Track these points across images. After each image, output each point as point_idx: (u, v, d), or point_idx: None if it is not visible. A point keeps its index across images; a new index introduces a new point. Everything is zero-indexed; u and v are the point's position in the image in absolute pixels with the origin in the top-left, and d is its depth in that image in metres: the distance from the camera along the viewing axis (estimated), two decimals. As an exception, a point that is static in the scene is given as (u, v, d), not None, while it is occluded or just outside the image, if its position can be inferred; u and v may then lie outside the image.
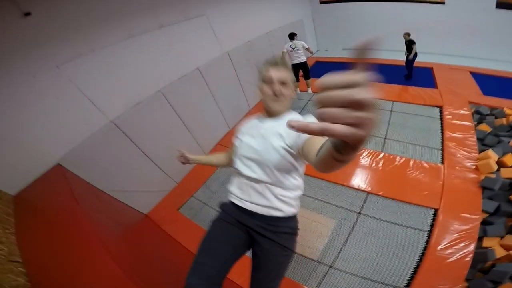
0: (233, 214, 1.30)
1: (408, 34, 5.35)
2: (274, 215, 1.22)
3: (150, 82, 3.67)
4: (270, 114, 1.25)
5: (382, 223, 3.02)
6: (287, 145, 1.10)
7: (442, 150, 3.76)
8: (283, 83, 1.19)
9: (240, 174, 1.26)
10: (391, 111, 4.79)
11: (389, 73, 5.93)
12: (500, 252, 2.42)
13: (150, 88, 3.68)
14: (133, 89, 3.48)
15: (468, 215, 2.81)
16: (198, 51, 4.41)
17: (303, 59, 4.88)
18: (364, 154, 3.88)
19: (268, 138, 1.17)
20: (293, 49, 4.77)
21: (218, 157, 1.71)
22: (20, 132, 2.57)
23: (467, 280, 2.35)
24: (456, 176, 3.29)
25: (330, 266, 2.75)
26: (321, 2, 7.64)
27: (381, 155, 3.83)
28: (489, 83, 5.08)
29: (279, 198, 1.20)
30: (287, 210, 1.24)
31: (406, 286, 2.44)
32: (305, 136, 0.96)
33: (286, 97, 1.21)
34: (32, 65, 2.58)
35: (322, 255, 2.85)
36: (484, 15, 5.79)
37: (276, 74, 1.17)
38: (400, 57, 5.83)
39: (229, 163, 1.53)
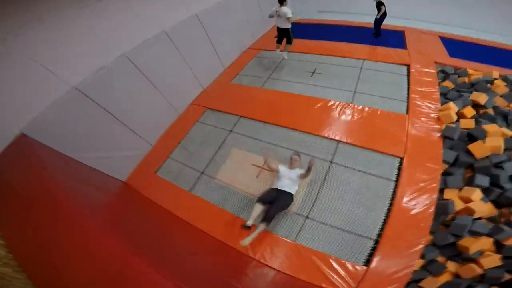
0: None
1: None
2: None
3: (111, 46, 3.46)
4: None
5: (352, 171, 3.22)
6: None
7: (408, 102, 3.98)
8: (293, 162, 3.15)
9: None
10: (361, 68, 4.92)
11: (360, 34, 6.04)
12: (459, 205, 2.61)
13: (113, 52, 3.47)
14: (93, 55, 3.27)
15: (431, 165, 3.03)
16: (164, 14, 4.15)
17: (286, 25, 4.83)
18: (334, 106, 4.04)
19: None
20: (278, 15, 4.73)
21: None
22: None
23: (431, 232, 2.55)
24: (420, 125, 3.52)
25: (307, 217, 2.94)
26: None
27: (350, 106, 4.00)
28: (457, 47, 5.28)
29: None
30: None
31: (378, 236, 2.65)
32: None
33: (294, 164, 3.15)
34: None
35: (299, 207, 3.04)
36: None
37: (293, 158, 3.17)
38: (371, 19, 5.95)
39: None
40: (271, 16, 4.90)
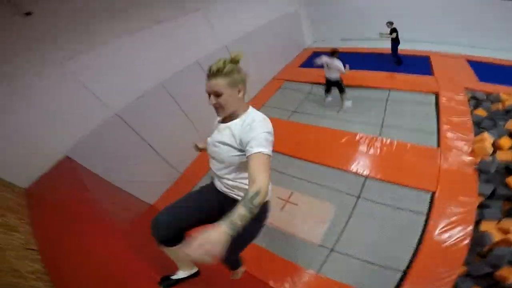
0: (213, 187, 1.46)
1: (391, 23, 5.59)
2: (237, 198, 1.32)
3: (151, 75, 3.76)
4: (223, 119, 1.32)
5: (380, 206, 3.12)
6: (236, 148, 1.19)
7: (438, 133, 3.85)
8: (216, 94, 1.18)
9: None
10: (387, 99, 4.88)
11: (385, 61, 6.08)
12: (497, 236, 2.47)
13: (152, 81, 3.76)
14: (134, 83, 3.57)
15: (465, 198, 2.88)
16: (197, 44, 4.48)
17: (337, 77, 4.64)
18: (361, 140, 3.98)
19: (220, 143, 1.26)
20: (328, 67, 4.56)
21: None
22: (29, 127, 2.68)
23: (466, 264, 2.41)
24: (452, 159, 3.37)
25: (332, 250, 2.85)
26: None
27: (378, 140, 3.93)
28: (485, 70, 5.14)
29: (239, 187, 1.30)
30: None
31: (406, 269, 2.51)
32: (248, 153, 1.07)
33: (224, 106, 1.21)
34: (37, 62, 2.67)
35: (324, 239, 2.96)
36: (483, 4, 5.81)
37: (210, 86, 1.19)
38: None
39: None
40: (317, 65, 4.75)
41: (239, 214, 0.87)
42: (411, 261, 2.55)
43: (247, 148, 1.07)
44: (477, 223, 2.69)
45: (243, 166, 1.22)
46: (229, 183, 1.30)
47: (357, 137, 4.05)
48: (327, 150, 4.01)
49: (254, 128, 1.11)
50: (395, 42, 5.72)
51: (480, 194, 2.89)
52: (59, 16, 2.80)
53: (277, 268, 2.75)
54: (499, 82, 4.57)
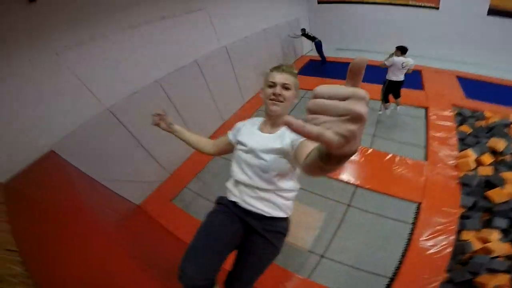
0: (231, 208, 1.36)
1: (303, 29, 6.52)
2: (268, 215, 1.28)
3: (148, 72, 3.68)
4: (270, 117, 1.30)
5: (369, 215, 3.20)
6: (282, 150, 1.16)
7: (426, 148, 4.00)
8: (285, 87, 1.22)
9: (235, 177, 1.35)
10: (379, 110, 5.01)
11: (378, 74, 6.18)
12: (477, 245, 2.64)
13: (148, 78, 3.68)
14: (130, 78, 3.48)
15: (448, 209, 3.04)
16: (197, 43, 4.44)
17: (403, 77, 4.47)
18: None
19: (261, 151, 1.22)
20: (403, 67, 4.27)
21: (202, 141, 1.71)
22: (14, 117, 2.54)
23: (448, 271, 2.55)
24: (438, 172, 3.51)
25: (322, 256, 2.88)
26: (319, 2, 7.79)
27: (370, 151, 4.03)
28: (473, 87, 5.38)
29: (273, 202, 1.26)
30: (281, 212, 1.30)
31: (393, 276, 2.60)
32: (297, 142, 1.02)
33: (286, 99, 1.23)
34: (32, 51, 2.56)
35: (314, 245, 2.99)
36: (476, 22, 6.10)
37: (280, 78, 1.22)
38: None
39: (214, 153, 1.65)
40: (384, 66, 4.46)
41: None
42: (397, 268, 2.65)
43: (295, 142, 1.05)
44: (459, 232, 2.86)
45: (285, 174, 1.22)
46: (265, 195, 1.24)
47: None
48: None
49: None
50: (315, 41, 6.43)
51: (462, 206, 3.07)
52: (62, 5, 2.71)
53: (268, 273, 2.74)
54: (485, 100, 4.80)
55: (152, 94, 3.71)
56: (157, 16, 3.74)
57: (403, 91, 4.66)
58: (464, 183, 3.26)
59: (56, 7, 2.67)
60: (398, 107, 4.83)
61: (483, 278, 2.39)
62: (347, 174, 3.70)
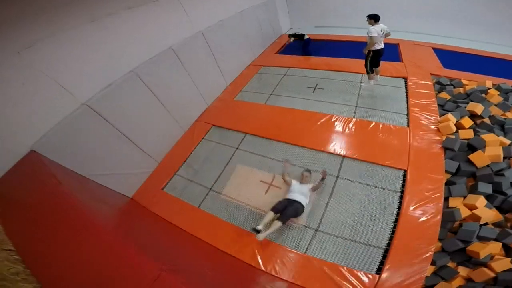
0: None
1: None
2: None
3: (121, 62, 3.55)
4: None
5: (358, 185, 3.28)
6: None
7: (408, 114, 4.11)
8: (305, 177, 3.26)
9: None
10: (360, 82, 5.10)
11: (358, 49, 6.25)
12: (464, 212, 2.70)
13: (122, 68, 3.57)
14: (103, 70, 3.36)
15: (434, 175, 3.12)
16: (170, 30, 4.30)
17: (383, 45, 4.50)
18: (337, 120, 4.14)
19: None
20: (383, 34, 4.30)
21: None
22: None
23: (440, 240, 2.63)
24: (421, 137, 3.63)
25: (317, 230, 2.97)
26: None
27: (353, 121, 4.10)
28: (450, 57, 5.55)
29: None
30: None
31: (387, 245, 2.69)
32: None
33: (306, 180, 3.27)
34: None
35: (308, 220, 3.08)
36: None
37: (304, 175, 3.31)
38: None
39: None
40: (374, 42, 4.34)
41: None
42: (390, 239, 2.72)
43: None
44: (446, 200, 2.89)
45: None
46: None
47: (333, 119, 4.20)
48: (305, 132, 4.11)
49: None
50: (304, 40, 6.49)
51: (446, 171, 3.12)
52: (15, 2, 2.52)
53: (266, 250, 2.83)
54: (461, 69, 4.97)
55: (129, 85, 3.61)
56: (122, 7, 3.56)
57: (382, 63, 4.73)
58: (447, 148, 3.34)
59: (8, 4, 2.47)
60: (378, 77, 4.94)
61: (475, 246, 2.46)
62: (333, 145, 3.77)
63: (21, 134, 2.67)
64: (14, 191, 2.44)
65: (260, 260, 2.76)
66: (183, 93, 4.57)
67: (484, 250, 2.38)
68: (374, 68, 4.76)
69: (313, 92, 5.11)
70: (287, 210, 2.91)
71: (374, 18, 4.30)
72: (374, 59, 4.60)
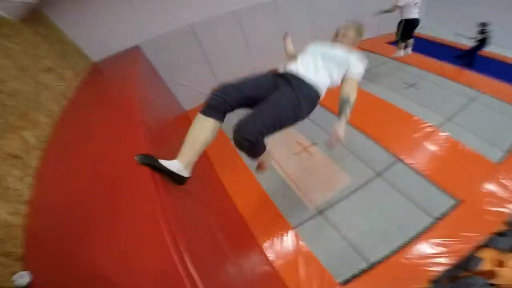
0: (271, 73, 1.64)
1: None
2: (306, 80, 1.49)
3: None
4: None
5: (395, 193, 2.74)
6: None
7: (507, 152, 3.02)
8: (344, 34, 1.80)
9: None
10: (471, 98, 3.99)
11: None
12: (488, 266, 2.10)
13: (226, 5, 4.08)
14: (210, 2, 3.95)
15: (489, 218, 2.39)
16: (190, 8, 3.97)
17: (418, 15, 4.12)
18: (415, 123, 3.55)
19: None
20: (416, 3, 3.98)
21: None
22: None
23: (433, 282, 2.08)
24: (506, 182, 2.67)
25: (323, 217, 2.67)
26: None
27: (435, 131, 3.38)
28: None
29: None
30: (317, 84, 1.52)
31: (375, 263, 2.25)
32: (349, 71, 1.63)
33: (343, 40, 1.81)
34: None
35: (322, 205, 2.78)
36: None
37: (343, 28, 1.83)
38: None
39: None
40: (396, 9, 4.05)
41: (346, 113, 1.41)
42: (384, 258, 2.25)
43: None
44: (479, 247, 2.24)
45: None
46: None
47: (411, 119, 3.61)
48: (370, 117, 3.66)
49: None
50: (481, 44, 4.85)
51: (507, 223, 2.36)
52: None
53: (269, 219, 2.70)
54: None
55: (228, 22, 4.19)
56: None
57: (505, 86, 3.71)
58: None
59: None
60: (410, 49, 4.71)
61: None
62: (395, 144, 3.25)
63: (132, 34, 3.54)
64: (107, 70, 3.17)
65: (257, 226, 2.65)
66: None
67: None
68: (407, 39, 4.48)
69: (407, 89, 4.43)
70: (265, 106, 1.31)
71: None
72: (406, 30, 4.24)
